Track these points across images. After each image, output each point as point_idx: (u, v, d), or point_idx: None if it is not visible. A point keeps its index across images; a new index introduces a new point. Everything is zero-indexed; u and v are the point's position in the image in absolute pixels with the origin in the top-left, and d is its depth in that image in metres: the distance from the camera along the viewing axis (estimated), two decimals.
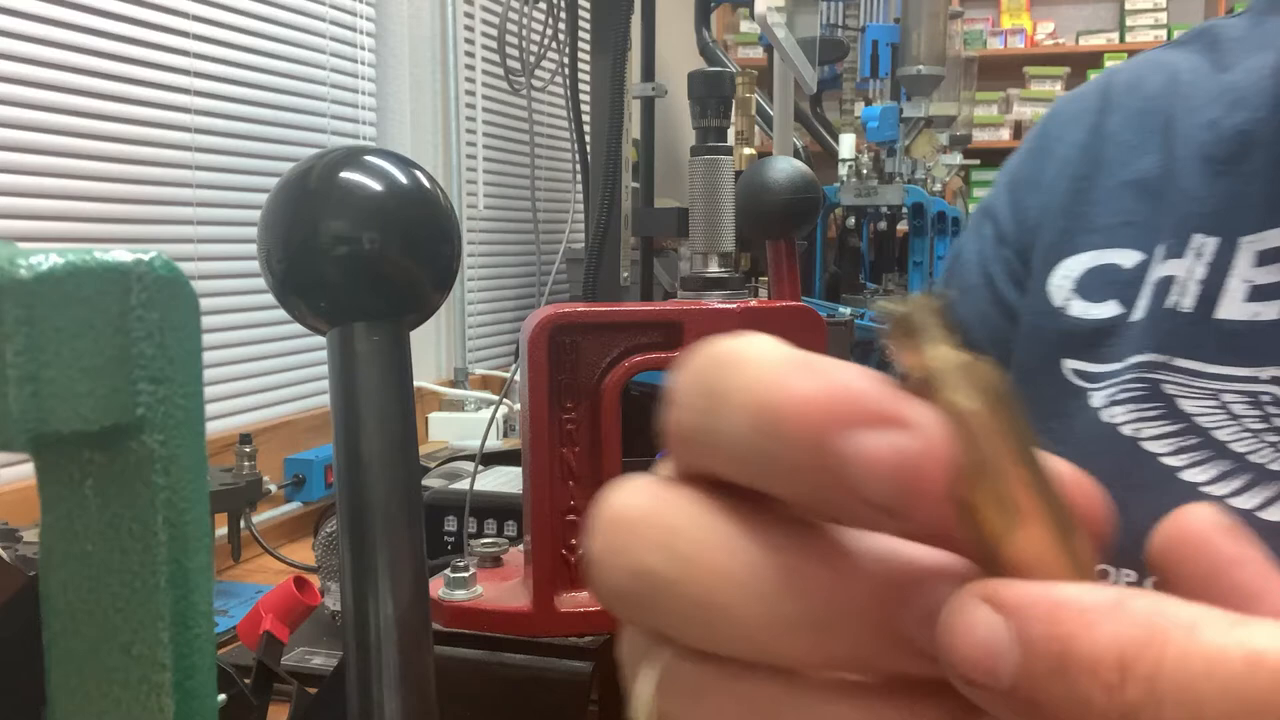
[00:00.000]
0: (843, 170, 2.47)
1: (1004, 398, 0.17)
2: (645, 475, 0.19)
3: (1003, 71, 4.24)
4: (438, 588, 0.69)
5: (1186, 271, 0.46)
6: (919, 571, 0.17)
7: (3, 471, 1.19)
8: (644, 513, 0.18)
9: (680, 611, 0.17)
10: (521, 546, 0.58)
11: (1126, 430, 0.46)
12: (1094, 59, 4.17)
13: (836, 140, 2.56)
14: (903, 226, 2.49)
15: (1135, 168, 0.50)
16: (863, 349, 2.23)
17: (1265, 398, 0.43)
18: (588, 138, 1.42)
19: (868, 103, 2.62)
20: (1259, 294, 0.44)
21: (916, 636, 0.17)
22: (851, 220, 2.56)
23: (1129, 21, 4.26)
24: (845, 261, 2.66)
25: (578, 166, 1.46)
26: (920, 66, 2.53)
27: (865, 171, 2.43)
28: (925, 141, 2.62)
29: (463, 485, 1.05)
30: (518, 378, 0.52)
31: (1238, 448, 0.43)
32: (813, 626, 0.17)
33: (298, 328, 0.41)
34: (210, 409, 1.48)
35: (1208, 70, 0.51)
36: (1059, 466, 0.18)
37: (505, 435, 1.85)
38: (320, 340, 0.40)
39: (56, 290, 0.18)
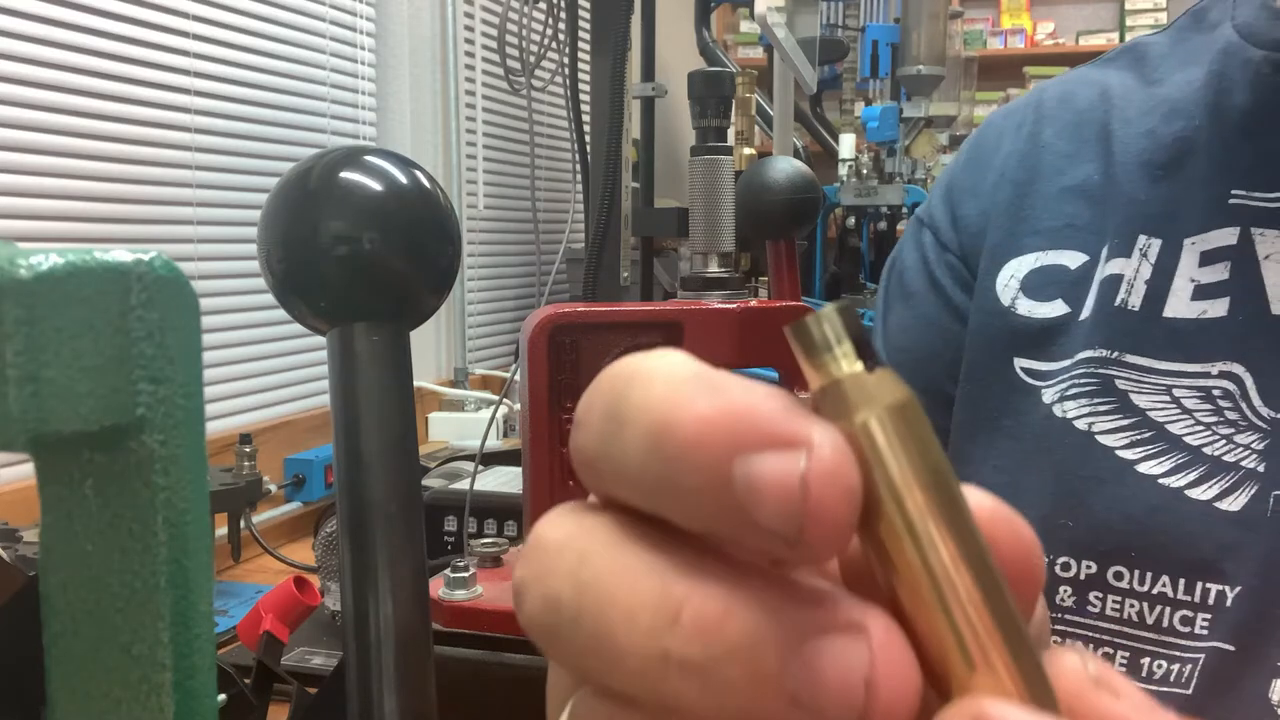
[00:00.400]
0: (843, 170, 2.47)
1: (910, 414, 0.16)
2: (577, 502, 0.18)
3: (1003, 71, 4.24)
4: (438, 588, 0.69)
5: (1133, 271, 0.48)
6: (817, 624, 0.15)
7: (3, 471, 1.19)
8: (561, 539, 0.17)
9: (581, 642, 0.17)
10: (521, 546, 0.58)
11: (1080, 424, 0.47)
12: (1094, 59, 4.17)
13: (836, 140, 2.56)
14: (903, 226, 2.49)
15: (1074, 174, 0.52)
16: None
17: (1216, 391, 0.45)
18: (588, 138, 1.42)
19: (868, 103, 2.62)
20: (1203, 292, 0.46)
21: (801, 695, 0.15)
22: (851, 220, 2.56)
23: (1129, 21, 4.26)
24: (845, 261, 2.66)
25: (578, 166, 1.46)
26: (920, 66, 2.53)
27: (865, 171, 2.43)
28: (925, 141, 2.62)
29: (463, 485, 1.05)
30: (518, 378, 0.52)
31: (1192, 440, 0.45)
32: (694, 669, 0.15)
33: (298, 328, 0.41)
34: (210, 409, 1.48)
35: (1137, 84, 0.53)
36: (976, 496, 0.17)
37: (505, 435, 1.85)
38: (320, 340, 0.40)
39: (56, 290, 0.18)
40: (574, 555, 0.17)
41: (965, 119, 3.00)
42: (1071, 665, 0.16)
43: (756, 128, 1.74)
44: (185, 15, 1.49)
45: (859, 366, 0.16)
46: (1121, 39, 4.23)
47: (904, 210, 2.41)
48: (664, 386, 0.16)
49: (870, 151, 2.49)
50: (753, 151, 1.63)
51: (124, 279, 0.19)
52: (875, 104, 2.55)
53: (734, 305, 0.50)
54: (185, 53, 1.50)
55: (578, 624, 0.16)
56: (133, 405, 0.20)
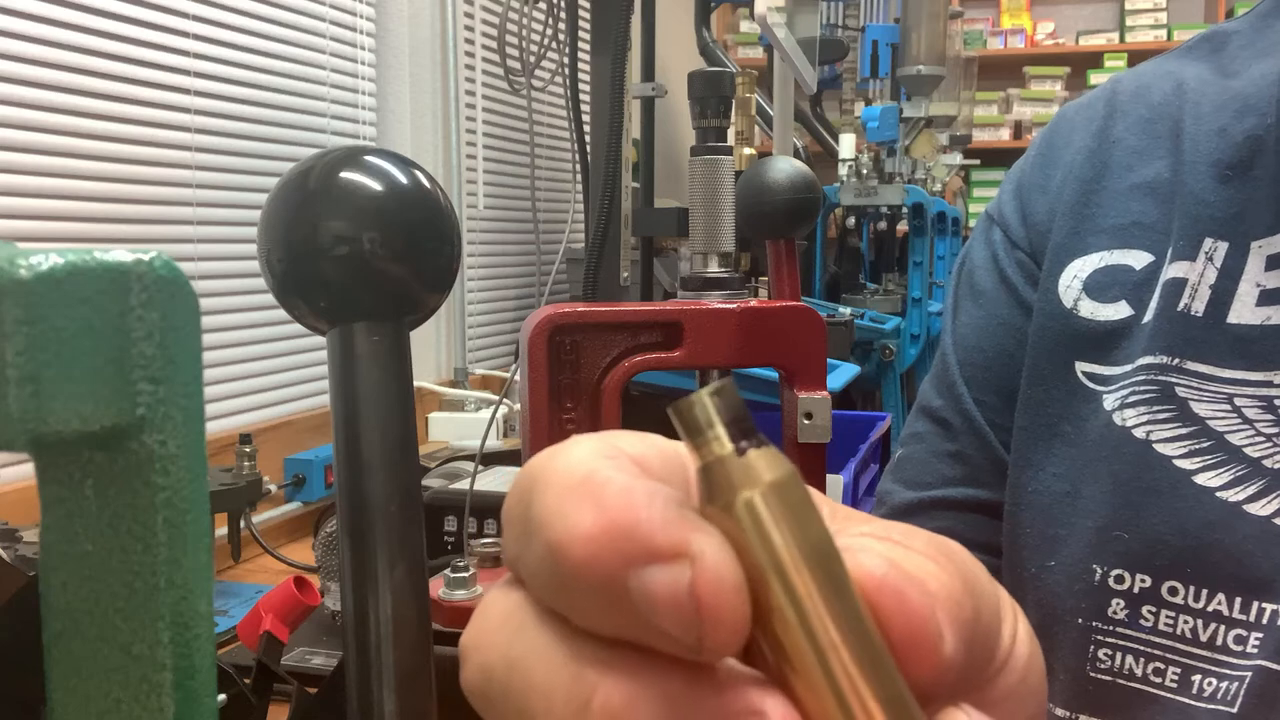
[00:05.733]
0: (843, 170, 2.47)
1: (789, 491, 0.16)
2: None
3: (1003, 71, 4.24)
4: (438, 588, 0.69)
5: (1198, 275, 0.46)
6: (718, 711, 0.16)
7: (3, 471, 1.19)
8: (503, 612, 0.18)
9: (507, 715, 0.17)
10: None
11: (1139, 433, 0.46)
12: (1094, 59, 4.18)
13: (836, 140, 2.56)
14: (903, 226, 2.49)
15: (1143, 172, 0.50)
16: (863, 349, 2.23)
17: (1279, 401, 0.43)
18: (588, 138, 1.42)
19: (868, 103, 2.62)
20: (1269, 298, 0.44)
21: None
22: (851, 220, 2.57)
23: (1129, 21, 4.26)
24: (845, 261, 2.66)
25: (578, 166, 1.46)
26: (920, 66, 2.53)
27: (865, 171, 2.43)
28: (925, 141, 2.62)
29: (463, 485, 1.05)
30: (518, 378, 0.52)
31: (1252, 452, 0.43)
32: None
33: (298, 328, 0.41)
34: (210, 409, 1.48)
35: (1213, 77, 0.51)
36: (868, 563, 0.17)
37: (505, 435, 1.85)
38: (320, 340, 0.40)
39: (56, 290, 0.18)
40: (510, 630, 0.18)
41: (965, 119, 3.00)
42: None
43: (756, 128, 1.74)
44: (185, 15, 1.49)
45: (742, 444, 0.17)
46: (1121, 39, 4.24)
47: (904, 210, 2.41)
48: (555, 498, 0.16)
49: (870, 151, 2.49)
50: (753, 151, 1.63)
51: (124, 279, 0.19)
52: (875, 104, 2.55)
53: (734, 305, 0.50)
54: (185, 53, 1.50)
55: (506, 698, 0.17)
56: (133, 405, 0.19)
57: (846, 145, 2.47)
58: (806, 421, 0.50)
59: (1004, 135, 4.15)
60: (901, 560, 0.17)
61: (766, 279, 0.85)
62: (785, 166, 0.76)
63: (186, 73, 1.50)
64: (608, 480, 0.16)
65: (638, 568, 0.15)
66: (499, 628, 0.18)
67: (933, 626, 0.17)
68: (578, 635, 0.17)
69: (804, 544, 0.16)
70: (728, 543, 0.16)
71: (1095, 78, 4.02)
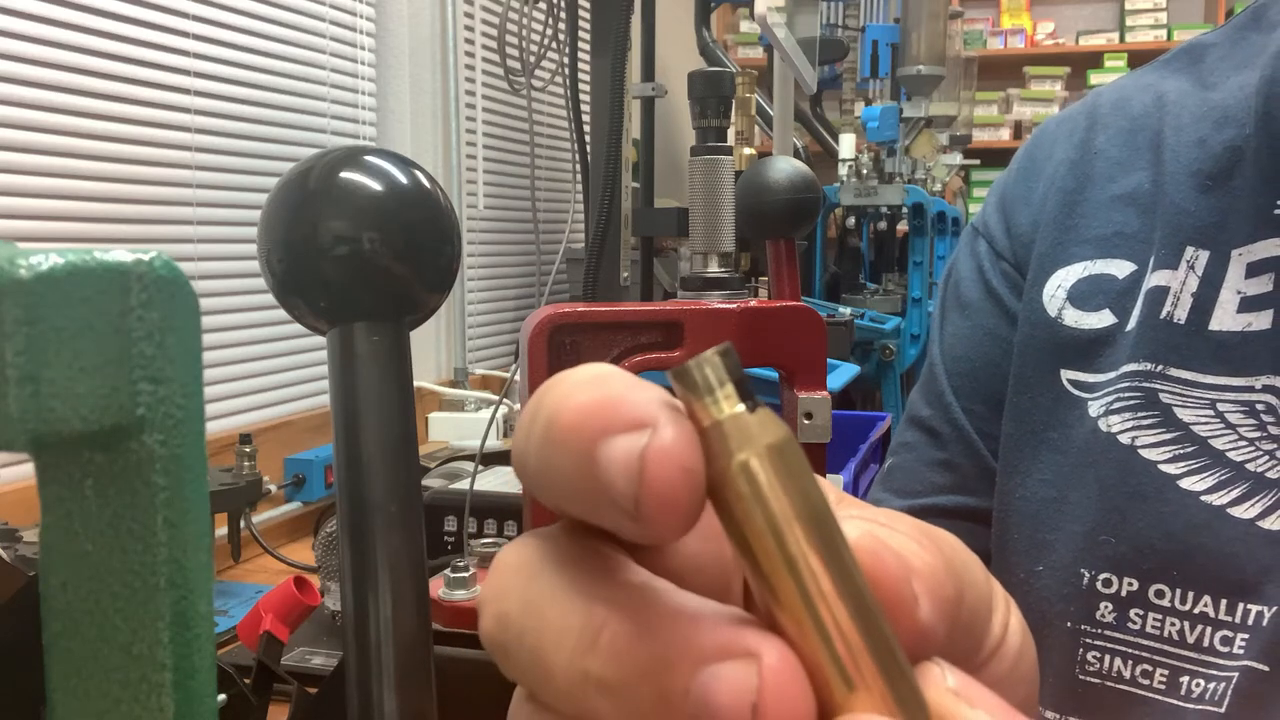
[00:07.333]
0: (843, 170, 2.47)
1: (788, 453, 0.17)
2: (539, 529, 0.19)
3: (1003, 71, 4.24)
4: (438, 588, 0.69)
5: (1180, 283, 0.47)
6: (717, 650, 0.16)
7: (3, 471, 1.19)
8: (517, 562, 0.19)
9: (524, 658, 0.18)
10: None
11: (1124, 439, 0.46)
12: (1094, 59, 4.17)
13: (836, 140, 2.56)
14: (903, 226, 2.49)
15: (1125, 183, 0.51)
16: (863, 349, 2.23)
17: (1260, 406, 0.44)
18: (588, 138, 1.42)
19: (868, 103, 2.63)
20: (1249, 305, 0.45)
21: (699, 715, 0.16)
22: (851, 220, 2.57)
23: (1129, 21, 4.26)
24: (845, 261, 2.67)
25: (578, 166, 1.46)
26: (920, 66, 2.53)
27: (865, 171, 2.43)
28: (925, 141, 2.62)
29: (463, 485, 1.05)
30: (518, 378, 0.52)
31: (1235, 456, 0.44)
32: (609, 689, 0.17)
33: (298, 328, 0.41)
34: (210, 409, 1.48)
35: (1192, 89, 0.52)
36: (846, 527, 0.17)
37: (505, 435, 1.85)
38: (320, 340, 0.40)
39: (56, 290, 0.18)
40: (525, 577, 0.18)
41: (965, 119, 3.01)
42: (934, 678, 0.17)
43: (756, 128, 1.74)
44: (185, 15, 1.49)
45: (740, 408, 0.17)
46: (1121, 39, 4.23)
47: (904, 210, 2.41)
48: (567, 385, 0.17)
49: (870, 151, 2.49)
50: (753, 151, 1.63)
51: (124, 279, 0.19)
52: (875, 104, 2.55)
53: (734, 305, 0.50)
54: (185, 53, 1.50)
55: (521, 642, 0.18)
56: (133, 405, 0.19)
57: (846, 145, 2.47)
58: (806, 421, 0.50)
59: (1004, 135, 4.15)
60: (882, 534, 0.18)
61: (766, 279, 0.85)
62: (785, 166, 0.76)
63: (186, 73, 1.50)
64: (618, 375, 0.17)
65: (609, 436, 0.16)
66: (514, 575, 0.18)
67: (906, 589, 0.18)
68: (592, 576, 0.17)
69: (800, 504, 0.17)
70: (695, 433, 0.17)
71: (1095, 78, 4.02)
